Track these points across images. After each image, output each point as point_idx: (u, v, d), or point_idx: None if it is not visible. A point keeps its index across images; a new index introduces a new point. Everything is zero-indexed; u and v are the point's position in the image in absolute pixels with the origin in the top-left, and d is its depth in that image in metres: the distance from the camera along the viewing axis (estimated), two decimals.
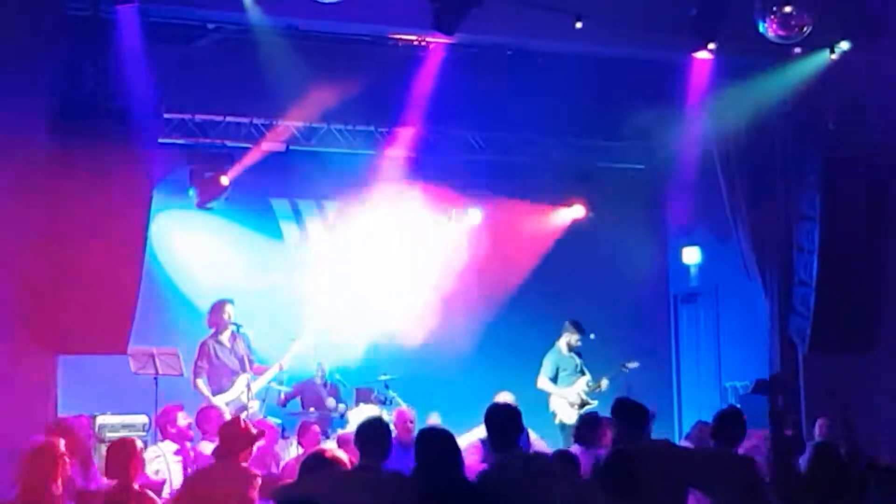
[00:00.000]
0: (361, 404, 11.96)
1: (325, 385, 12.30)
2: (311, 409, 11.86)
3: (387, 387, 12.21)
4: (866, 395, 11.31)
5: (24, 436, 7.34)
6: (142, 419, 10.90)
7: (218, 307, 11.66)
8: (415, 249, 14.28)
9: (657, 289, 14.92)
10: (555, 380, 12.38)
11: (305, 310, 13.14)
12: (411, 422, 10.04)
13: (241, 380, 11.21)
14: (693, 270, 14.68)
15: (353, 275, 14.02)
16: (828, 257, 11.45)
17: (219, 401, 11.04)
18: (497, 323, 13.56)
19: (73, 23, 9.38)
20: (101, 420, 10.72)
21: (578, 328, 12.47)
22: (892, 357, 11.41)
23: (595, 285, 13.90)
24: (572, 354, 12.48)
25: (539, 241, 13.97)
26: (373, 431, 6.26)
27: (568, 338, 12.45)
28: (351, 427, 11.35)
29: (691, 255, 14.61)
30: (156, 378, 11.11)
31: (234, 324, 11.57)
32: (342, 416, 11.87)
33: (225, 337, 11.56)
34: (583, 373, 12.44)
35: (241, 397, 11.12)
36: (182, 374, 11.37)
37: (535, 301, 13.69)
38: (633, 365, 12.52)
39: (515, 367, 12.58)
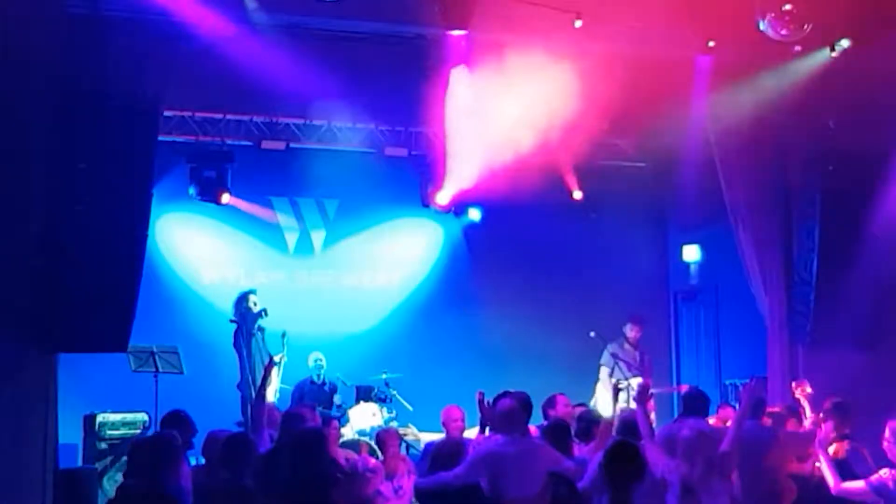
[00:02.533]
0: (362, 402, 11.97)
1: (324, 383, 12.30)
2: None
3: (387, 385, 12.22)
4: (866, 393, 11.28)
5: (25, 435, 7.31)
6: (142, 417, 10.93)
7: (243, 298, 11.82)
8: (414, 248, 14.30)
9: (657, 286, 14.94)
10: (612, 372, 12.33)
11: (305, 307, 13.18)
12: (462, 420, 9.63)
13: (274, 370, 11.12)
14: (693, 268, 14.67)
15: (352, 273, 14.05)
16: (828, 255, 11.45)
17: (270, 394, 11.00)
18: (497, 321, 13.56)
19: (73, 21, 9.36)
20: (100, 418, 10.74)
21: (634, 322, 12.48)
22: (892, 355, 11.39)
23: (595, 283, 13.92)
24: (634, 349, 12.41)
25: (539, 238, 13.96)
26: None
27: (626, 332, 12.48)
28: (352, 425, 11.39)
29: (691, 253, 14.60)
30: (156, 376, 11.13)
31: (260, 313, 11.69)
32: (342, 413, 11.87)
33: (255, 326, 11.67)
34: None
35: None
36: (182, 372, 11.38)
37: (535, 299, 13.69)
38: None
39: (515, 365, 12.58)
